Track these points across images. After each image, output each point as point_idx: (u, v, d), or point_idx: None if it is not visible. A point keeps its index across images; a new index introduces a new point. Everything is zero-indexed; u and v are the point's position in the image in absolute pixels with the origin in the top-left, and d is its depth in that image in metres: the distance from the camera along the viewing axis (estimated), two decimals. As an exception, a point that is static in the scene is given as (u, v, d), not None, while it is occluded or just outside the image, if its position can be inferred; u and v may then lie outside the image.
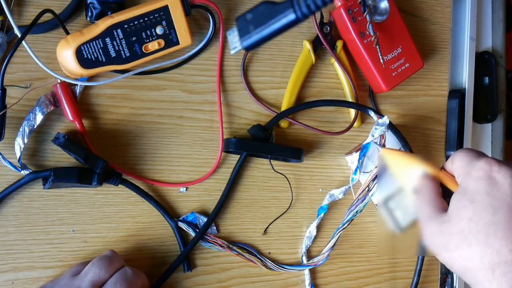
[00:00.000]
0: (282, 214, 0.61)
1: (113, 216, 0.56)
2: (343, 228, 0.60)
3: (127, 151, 0.56)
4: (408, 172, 0.50)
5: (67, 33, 0.52)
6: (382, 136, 0.59)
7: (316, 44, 0.61)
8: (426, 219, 0.45)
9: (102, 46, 0.51)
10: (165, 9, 0.52)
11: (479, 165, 0.42)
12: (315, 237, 0.62)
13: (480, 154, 0.44)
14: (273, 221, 0.61)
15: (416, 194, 0.47)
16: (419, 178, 0.47)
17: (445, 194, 0.46)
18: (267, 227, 0.61)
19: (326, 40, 0.60)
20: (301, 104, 0.61)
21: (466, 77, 0.69)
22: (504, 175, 0.41)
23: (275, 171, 0.60)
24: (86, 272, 0.49)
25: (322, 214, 0.61)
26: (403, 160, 0.51)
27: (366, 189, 0.59)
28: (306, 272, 0.61)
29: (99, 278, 0.49)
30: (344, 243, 0.63)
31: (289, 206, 0.61)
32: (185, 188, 0.58)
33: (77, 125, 0.53)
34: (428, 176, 0.47)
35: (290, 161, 0.61)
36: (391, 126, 0.60)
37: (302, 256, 0.61)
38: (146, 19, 0.52)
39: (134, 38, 0.52)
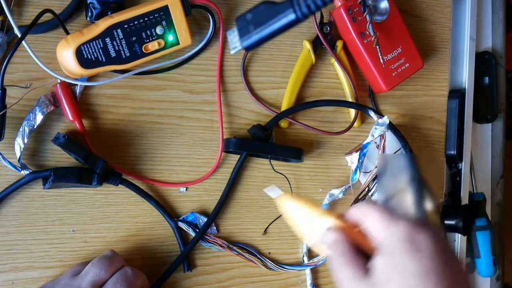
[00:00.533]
0: (282, 215, 0.61)
1: (113, 216, 0.56)
2: (343, 228, 0.60)
3: (127, 151, 0.56)
4: (313, 225, 0.48)
5: (67, 33, 0.52)
6: (382, 136, 0.59)
7: (316, 44, 0.61)
8: (350, 282, 0.44)
9: (102, 46, 0.51)
10: (165, 9, 0.52)
11: (400, 227, 0.42)
12: (315, 237, 0.62)
13: (395, 213, 0.44)
14: (273, 221, 0.61)
15: (331, 253, 0.45)
16: (329, 234, 0.46)
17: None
18: (267, 227, 0.61)
19: (326, 40, 0.60)
20: (301, 104, 0.61)
21: (466, 77, 0.69)
22: (424, 237, 0.42)
23: (275, 171, 0.60)
24: (86, 272, 0.49)
25: (322, 214, 0.61)
26: (304, 210, 0.48)
27: (366, 189, 0.59)
28: (308, 272, 0.61)
29: (99, 278, 0.49)
30: (344, 243, 0.63)
31: (289, 206, 0.61)
32: (185, 188, 0.58)
33: (77, 125, 0.53)
34: (339, 232, 0.45)
35: (290, 161, 0.60)
36: (391, 126, 0.60)
37: (303, 256, 0.61)
38: (146, 19, 0.52)
39: (134, 38, 0.52)
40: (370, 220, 0.45)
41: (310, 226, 0.48)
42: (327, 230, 0.46)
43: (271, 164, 0.59)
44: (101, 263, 0.49)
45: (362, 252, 0.45)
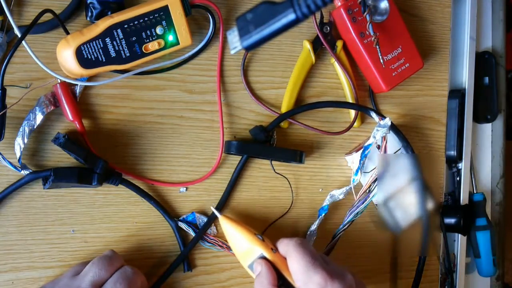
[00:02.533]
0: (283, 216, 0.61)
1: (113, 216, 0.56)
2: (344, 229, 0.60)
3: (127, 151, 0.56)
4: (246, 249, 0.53)
5: (67, 33, 0.52)
6: (383, 138, 0.59)
7: (316, 44, 0.61)
8: None
9: (102, 46, 0.51)
10: (165, 9, 0.52)
11: (315, 279, 0.47)
12: (316, 238, 0.62)
13: (315, 260, 0.48)
14: (273, 222, 0.61)
15: (256, 284, 0.51)
16: (257, 265, 0.51)
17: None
18: (266, 228, 0.60)
19: (326, 40, 0.60)
20: (303, 105, 0.61)
21: (466, 77, 0.69)
22: None
23: (276, 172, 0.59)
24: (86, 272, 0.49)
25: (322, 215, 0.61)
26: (241, 233, 0.53)
27: (367, 191, 0.59)
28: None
29: (99, 277, 0.49)
30: (344, 243, 0.63)
31: (290, 207, 0.61)
32: (185, 188, 0.58)
33: (77, 125, 0.53)
34: (266, 266, 0.50)
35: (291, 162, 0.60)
36: (392, 127, 0.60)
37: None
38: (146, 19, 0.52)
39: (134, 38, 0.52)
40: (292, 261, 0.49)
41: (244, 251, 0.53)
42: (257, 260, 0.52)
43: (272, 166, 0.59)
44: (101, 263, 0.49)
45: (288, 283, 0.50)
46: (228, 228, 0.54)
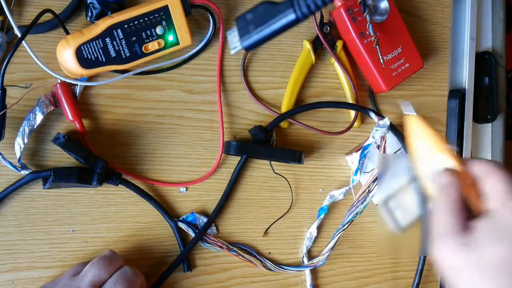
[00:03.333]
0: (283, 216, 0.61)
1: (113, 216, 0.56)
2: (343, 229, 0.60)
3: (127, 151, 0.56)
4: (432, 158, 0.45)
5: (67, 33, 0.52)
6: (383, 138, 0.59)
7: (316, 44, 0.61)
8: (448, 232, 0.41)
9: (102, 46, 0.51)
10: (165, 9, 0.52)
11: None
12: (316, 238, 0.62)
13: None
14: (273, 223, 0.61)
15: (438, 195, 0.44)
16: (446, 176, 0.43)
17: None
18: (267, 228, 0.60)
19: (326, 40, 0.60)
20: (302, 106, 0.61)
21: (466, 77, 0.69)
22: None
23: (276, 173, 0.59)
24: (85, 272, 0.49)
25: (322, 215, 0.61)
26: (431, 140, 0.45)
27: (367, 191, 0.59)
28: (308, 273, 0.61)
29: (99, 278, 0.49)
30: (344, 243, 0.63)
31: (290, 207, 0.61)
32: (185, 188, 0.58)
33: (77, 125, 0.53)
34: (456, 178, 0.43)
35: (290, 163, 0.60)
36: (391, 127, 0.60)
37: (303, 257, 0.61)
38: (146, 19, 0.52)
39: (134, 38, 0.52)
40: (491, 184, 0.42)
41: (428, 158, 0.45)
42: (444, 170, 0.44)
43: (272, 166, 0.59)
44: (101, 263, 0.49)
45: (466, 206, 0.43)
46: (420, 127, 0.46)
